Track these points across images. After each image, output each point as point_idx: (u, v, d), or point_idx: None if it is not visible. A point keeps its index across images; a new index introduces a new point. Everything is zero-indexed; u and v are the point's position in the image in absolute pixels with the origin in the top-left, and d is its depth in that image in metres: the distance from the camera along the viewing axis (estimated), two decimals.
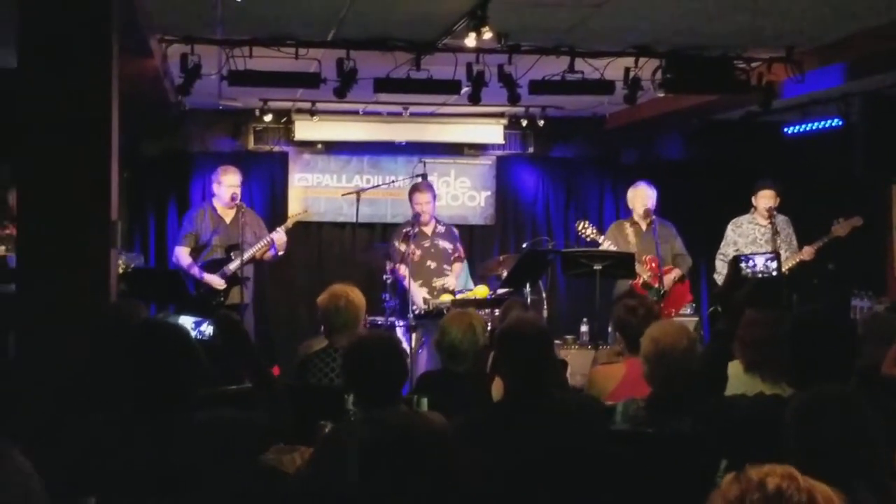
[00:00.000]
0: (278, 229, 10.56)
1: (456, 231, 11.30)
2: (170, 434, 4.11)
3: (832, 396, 3.75)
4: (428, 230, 10.83)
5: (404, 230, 10.73)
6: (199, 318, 6.79)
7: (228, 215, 10.50)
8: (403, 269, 10.45)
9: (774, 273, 9.38)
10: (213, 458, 4.16)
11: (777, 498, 2.50)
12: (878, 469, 3.06)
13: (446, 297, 10.45)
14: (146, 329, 4.57)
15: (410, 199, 10.92)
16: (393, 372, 4.87)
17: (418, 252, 10.63)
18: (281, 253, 10.62)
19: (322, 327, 6.96)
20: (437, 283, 10.74)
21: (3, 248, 9.13)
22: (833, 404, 3.69)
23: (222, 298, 10.14)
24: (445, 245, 10.91)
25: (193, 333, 5.34)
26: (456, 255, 10.99)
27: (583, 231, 10.75)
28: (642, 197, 10.83)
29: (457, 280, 10.95)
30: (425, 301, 10.47)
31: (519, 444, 4.77)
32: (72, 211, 6.11)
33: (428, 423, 4.60)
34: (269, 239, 10.42)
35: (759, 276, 9.21)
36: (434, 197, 11.03)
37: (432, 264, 10.76)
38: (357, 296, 6.77)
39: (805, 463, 2.66)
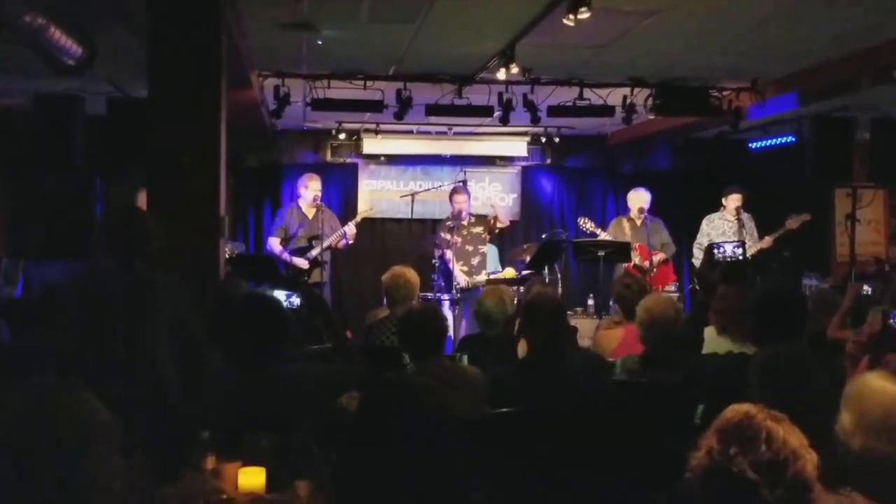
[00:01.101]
0: (350, 223, 10.61)
1: (486, 218, 11.27)
2: (268, 382, 4.14)
3: (787, 352, 3.75)
4: (465, 222, 10.84)
5: (447, 224, 10.76)
6: (289, 292, 6.81)
7: (311, 212, 10.53)
8: (449, 254, 10.48)
9: (740, 257, 9.38)
10: (301, 401, 4.19)
11: (727, 428, 2.49)
12: (824, 408, 3.04)
13: (482, 277, 10.47)
14: (251, 300, 4.59)
15: (451, 199, 10.94)
16: (435, 333, 4.90)
17: (459, 239, 10.64)
18: (351, 242, 10.65)
19: (385, 299, 6.98)
20: (474, 261, 10.74)
21: None
22: (788, 358, 3.68)
23: (306, 277, 10.19)
24: (478, 230, 10.91)
25: (285, 304, 5.37)
26: (494, 223, 10.98)
27: (583, 225, 10.83)
28: (638, 199, 10.84)
29: (492, 258, 11.05)
30: (465, 281, 10.50)
31: (540, 391, 4.78)
32: (189, 208, 6.13)
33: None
34: (342, 231, 10.47)
35: (729, 259, 9.19)
36: (469, 197, 11.06)
37: (470, 247, 10.76)
38: (413, 275, 6.77)
39: (766, 405, 2.64)
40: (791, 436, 2.48)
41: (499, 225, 11.04)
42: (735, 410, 2.53)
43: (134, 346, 4.85)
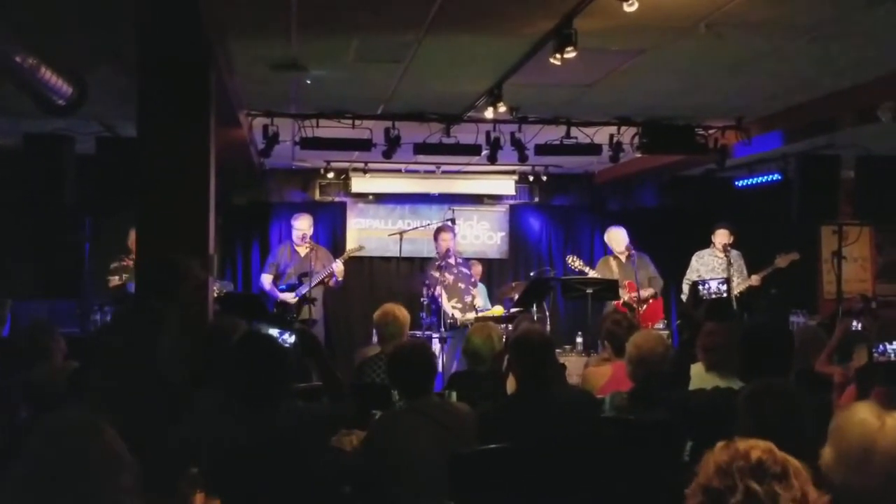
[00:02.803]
0: (337, 260, 10.76)
1: (469, 262, 11.38)
2: (263, 420, 4.13)
3: (774, 387, 3.77)
4: (452, 261, 10.90)
5: (436, 263, 10.82)
6: (281, 331, 6.81)
7: (303, 250, 10.68)
8: (439, 290, 10.51)
9: (724, 294, 9.42)
10: (294, 439, 4.18)
11: (759, 467, 2.47)
12: (810, 443, 3.06)
13: (471, 315, 10.49)
14: (252, 338, 4.58)
15: (436, 238, 11.02)
16: (424, 370, 4.87)
17: (450, 277, 10.70)
18: (341, 279, 10.75)
19: (375, 337, 6.98)
20: (467, 299, 10.82)
21: (117, 277, 9.21)
22: (775, 393, 3.70)
23: (295, 315, 10.22)
24: (466, 271, 11.02)
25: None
26: (473, 279, 11.10)
27: (572, 263, 10.88)
28: (619, 238, 10.93)
29: (481, 298, 11.14)
30: (454, 317, 10.54)
31: (527, 427, 4.78)
32: (178, 247, 6.14)
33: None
34: (330, 268, 10.56)
35: (713, 296, 9.24)
36: (454, 235, 11.15)
37: (461, 285, 10.85)
38: (403, 313, 6.76)
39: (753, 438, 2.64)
40: (800, 464, 2.53)
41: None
42: (757, 447, 2.52)
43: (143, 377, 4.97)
